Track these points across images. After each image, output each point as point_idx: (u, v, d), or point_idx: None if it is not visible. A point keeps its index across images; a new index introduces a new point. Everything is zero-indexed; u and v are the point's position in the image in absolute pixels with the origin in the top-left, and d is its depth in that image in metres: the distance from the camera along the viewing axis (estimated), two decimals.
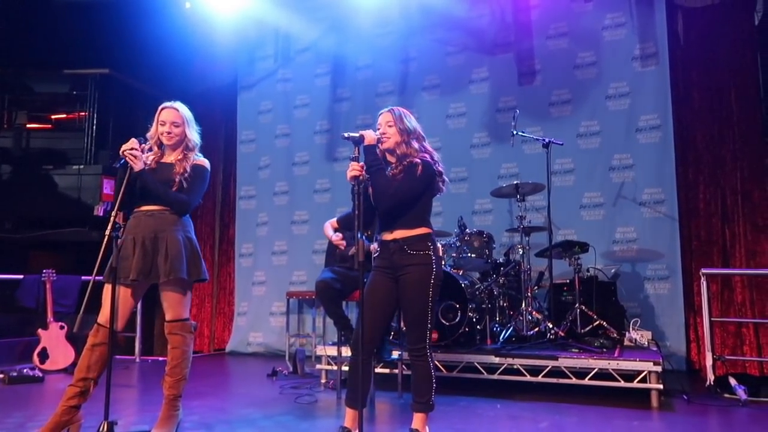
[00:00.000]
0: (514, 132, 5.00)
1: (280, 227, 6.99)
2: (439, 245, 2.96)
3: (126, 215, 3.16)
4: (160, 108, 3.21)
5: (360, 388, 2.71)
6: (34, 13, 7.42)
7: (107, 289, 2.95)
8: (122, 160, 2.96)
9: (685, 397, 4.08)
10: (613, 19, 5.89)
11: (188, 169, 3.14)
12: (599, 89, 5.86)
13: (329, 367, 4.65)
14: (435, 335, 4.37)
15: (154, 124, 3.19)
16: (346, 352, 4.23)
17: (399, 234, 2.85)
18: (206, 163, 3.29)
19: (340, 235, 4.43)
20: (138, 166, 2.96)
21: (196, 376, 5.14)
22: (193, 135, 3.25)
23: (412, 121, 2.96)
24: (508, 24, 6.27)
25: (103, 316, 2.98)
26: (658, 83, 5.63)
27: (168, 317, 3.07)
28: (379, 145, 2.90)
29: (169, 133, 3.14)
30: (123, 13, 7.24)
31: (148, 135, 3.19)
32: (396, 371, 4.27)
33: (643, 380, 3.93)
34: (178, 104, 3.23)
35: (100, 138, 7.20)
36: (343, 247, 4.38)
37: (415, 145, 2.90)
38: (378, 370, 4.30)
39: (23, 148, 7.33)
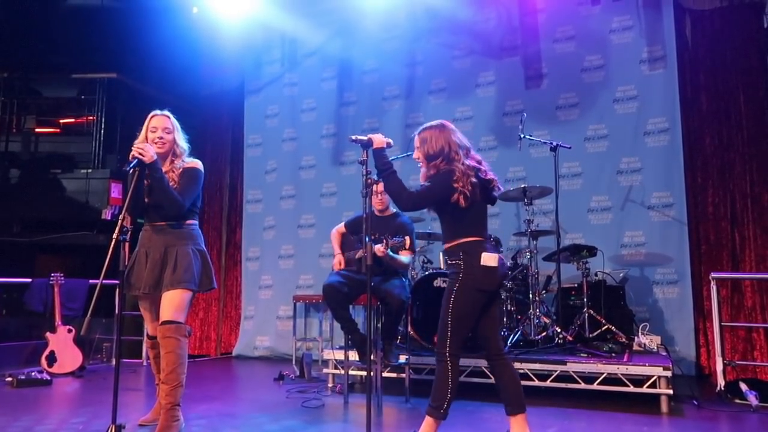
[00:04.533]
0: (522, 135, 4.98)
1: (287, 231, 6.99)
2: (485, 254, 2.78)
3: (133, 219, 3.18)
4: (150, 116, 3.24)
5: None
6: (42, 18, 7.48)
7: (142, 306, 3.28)
8: (132, 163, 2.97)
9: (695, 402, 4.04)
10: (620, 22, 5.88)
11: (176, 178, 3.17)
12: (607, 93, 5.84)
13: (336, 371, 4.63)
14: None
15: (143, 131, 3.21)
16: (353, 356, 4.22)
17: (445, 245, 2.93)
18: (198, 164, 3.29)
19: (341, 259, 4.40)
20: (149, 156, 3.00)
21: (202, 380, 5.14)
22: (182, 142, 3.28)
23: (435, 142, 2.87)
24: (514, 28, 6.27)
25: (148, 329, 3.34)
26: (666, 86, 5.61)
27: (163, 318, 3.05)
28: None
29: (161, 138, 3.16)
30: (131, 18, 7.29)
31: (136, 142, 3.18)
32: (403, 375, 4.25)
33: (653, 385, 3.89)
34: (167, 112, 3.27)
35: (107, 142, 7.25)
36: (339, 268, 4.38)
37: (443, 166, 2.86)
38: (386, 374, 4.28)
39: (32, 152, 7.38)
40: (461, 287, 2.79)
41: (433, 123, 2.95)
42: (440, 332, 2.83)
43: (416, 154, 2.96)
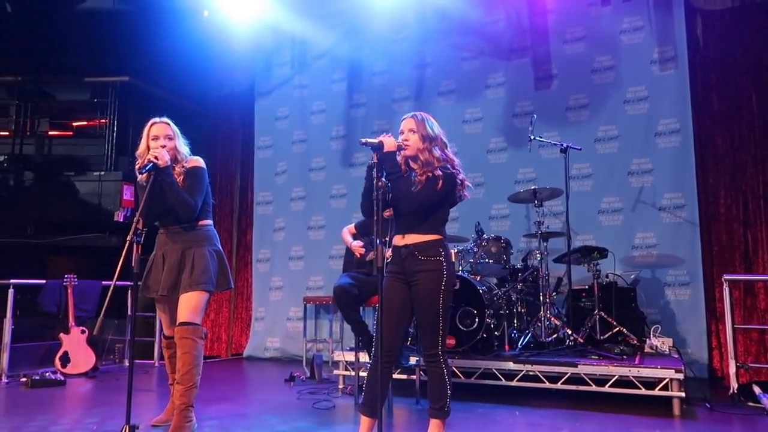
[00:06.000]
0: (532, 137, 4.97)
1: (297, 232, 7.02)
2: (451, 251, 2.94)
3: (147, 223, 3.22)
4: (149, 124, 3.25)
5: (377, 396, 2.70)
6: (55, 22, 7.55)
7: (159, 308, 3.36)
8: (147, 167, 3.01)
9: (707, 405, 4.02)
10: (631, 22, 5.85)
11: (181, 182, 3.20)
12: (617, 93, 5.81)
13: (347, 373, 4.64)
14: (452, 341, 4.35)
15: (144, 140, 3.22)
16: (364, 357, 4.23)
17: (411, 239, 2.85)
18: (199, 161, 3.31)
19: (361, 243, 4.45)
20: (163, 161, 3.04)
21: (214, 381, 5.17)
22: (183, 148, 3.29)
23: (434, 127, 2.90)
24: (524, 29, 6.25)
25: (164, 329, 3.40)
26: (677, 87, 5.57)
27: (180, 319, 3.10)
28: (401, 151, 2.88)
29: (163, 147, 3.16)
30: (142, 21, 7.34)
31: (138, 153, 3.22)
32: (414, 377, 4.25)
33: (665, 388, 3.87)
34: (166, 119, 3.29)
35: (120, 144, 7.30)
36: (360, 255, 4.40)
37: (437, 153, 2.84)
38: (396, 376, 4.29)
39: (45, 154, 7.46)
40: (447, 285, 2.80)
41: (418, 112, 2.97)
42: (432, 333, 2.80)
43: (406, 137, 2.88)
